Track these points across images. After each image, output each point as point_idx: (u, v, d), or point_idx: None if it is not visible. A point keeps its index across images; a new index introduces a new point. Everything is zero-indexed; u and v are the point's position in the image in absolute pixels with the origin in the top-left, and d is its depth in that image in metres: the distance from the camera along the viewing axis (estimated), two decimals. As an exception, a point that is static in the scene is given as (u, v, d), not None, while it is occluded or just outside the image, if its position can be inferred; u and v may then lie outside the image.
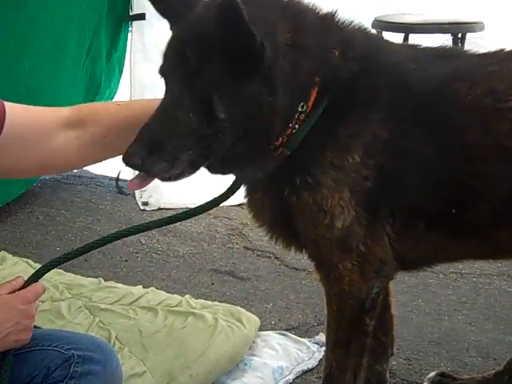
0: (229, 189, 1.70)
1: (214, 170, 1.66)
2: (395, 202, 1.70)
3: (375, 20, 3.85)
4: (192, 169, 1.58)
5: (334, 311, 1.79)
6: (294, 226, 1.74)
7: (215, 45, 1.51)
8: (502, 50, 1.79)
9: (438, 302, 2.76)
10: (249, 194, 1.78)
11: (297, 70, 1.60)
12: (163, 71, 1.60)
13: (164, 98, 1.56)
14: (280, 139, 1.63)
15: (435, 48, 1.81)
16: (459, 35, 3.73)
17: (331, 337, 1.83)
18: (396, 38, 3.82)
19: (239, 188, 1.71)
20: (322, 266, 1.78)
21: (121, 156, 1.56)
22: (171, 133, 1.52)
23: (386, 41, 1.86)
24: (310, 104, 1.63)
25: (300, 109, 1.61)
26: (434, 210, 1.72)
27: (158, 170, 1.53)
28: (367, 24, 3.86)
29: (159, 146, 1.52)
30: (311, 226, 1.71)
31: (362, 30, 1.77)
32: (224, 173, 1.70)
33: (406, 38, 3.77)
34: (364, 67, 1.67)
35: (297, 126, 1.63)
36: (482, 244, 1.80)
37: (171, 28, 1.64)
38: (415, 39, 3.81)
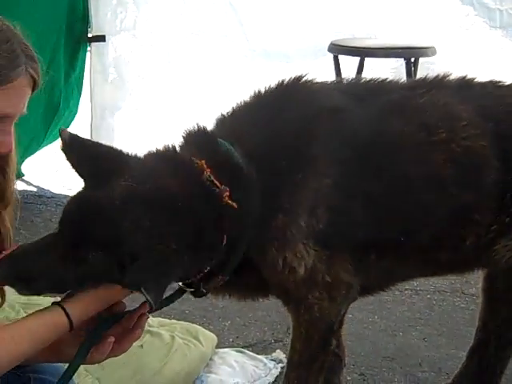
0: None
1: None
2: (348, 237, 1.76)
3: (331, 44, 3.92)
4: None
5: (303, 334, 1.81)
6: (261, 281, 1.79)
7: None
8: (425, 79, 1.89)
9: (393, 319, 2.81)
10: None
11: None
12: None
13: None
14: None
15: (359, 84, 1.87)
16: (412, 60, 3.83)
17: (295, 357, 1.85)
18: (352, 61, 3.91)
19: None
20: (290, 300, 1.82)
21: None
22: None
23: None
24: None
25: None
26: (384, 241, 1.79)
27: None
28: (324, 48, 3.96)
29: None
30: (275, 276, 1.75)
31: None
32: None
33: (361, 62, 3.86)
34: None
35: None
36: (425, 264, 1.90)
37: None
38: (370, 63, 3.90)
